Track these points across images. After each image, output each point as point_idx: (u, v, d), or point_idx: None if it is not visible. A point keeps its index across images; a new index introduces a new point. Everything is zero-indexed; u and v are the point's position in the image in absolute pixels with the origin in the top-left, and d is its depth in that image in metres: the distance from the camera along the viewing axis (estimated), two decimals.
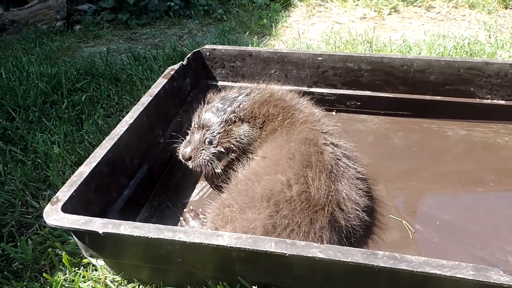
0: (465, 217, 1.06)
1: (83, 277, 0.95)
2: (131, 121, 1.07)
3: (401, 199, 1.12)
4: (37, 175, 1.30)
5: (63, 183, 1.16)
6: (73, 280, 0.95)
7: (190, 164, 1.11)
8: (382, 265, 0.68)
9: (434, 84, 1.38)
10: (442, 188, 1.16)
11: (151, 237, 0.75)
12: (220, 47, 1.48)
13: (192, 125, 1.17)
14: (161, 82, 1.25)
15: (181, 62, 1.39)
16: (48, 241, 1.06)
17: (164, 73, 1.31)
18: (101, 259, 0.97)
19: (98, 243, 0.83)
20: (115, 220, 0.79)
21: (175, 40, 2.56)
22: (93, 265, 0.99)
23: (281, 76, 1.47)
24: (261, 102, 1.13)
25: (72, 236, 1.05)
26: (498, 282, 0.65)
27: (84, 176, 0.90)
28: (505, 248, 0.97)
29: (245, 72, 1.50)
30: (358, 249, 0.71)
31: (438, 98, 1.40)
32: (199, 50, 1.49)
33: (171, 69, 1.33)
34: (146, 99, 1.17)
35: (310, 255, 0.70)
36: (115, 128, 1.05)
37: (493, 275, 0.65)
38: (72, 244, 1.04)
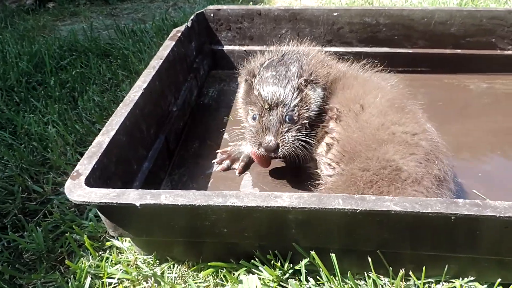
0: (504, 167, 1.02)
1: (111, 261, 0.85)
2: (145, 85, 0.96)
3: None
4: (34, 158, 1.16)
5: (68, 164, 1.06)
6: (98, 266, 0.84)
7: (280, 153, 0.91)
8: (466, 213, 0.62)
9: (455, 36, 1.31)
10: (476, 141, 1.11)
11: (198, 205, 0.66)
12: (225, 7, 1.36)
13: (252, 110, 0.95)
14: (168, 44, 1.13)
15: (186, 24, 1.27)
16: (62, 226, 0.94)
17: (170, 35, 1.19)
18: (128, 240, 0.87)
19: (132, 219, 0.73)
20: (152, 190, 0.68)
21: (160, 13, 2.39)
22: (117, 248, 0.89)
23: (293, 35, 1.37)
24: (320, 61, 1.02)
25: (95, 216, 0.95)
26: None
27: (104, 146, 0.79)
28: None
29: (253, 33, 1.39)
30: (436, 199, 0.64)
31: (458, 51, 1.34)
32: (202, 11, 1.37)
33: (177, 31, 1.21)
34: (156, 62, 1.05)
35: (385, 209, 0.63)
36: (128, 94, 0.93)
37: None
38: (90, 227, 0.92)
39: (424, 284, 0.76)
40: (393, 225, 0.67)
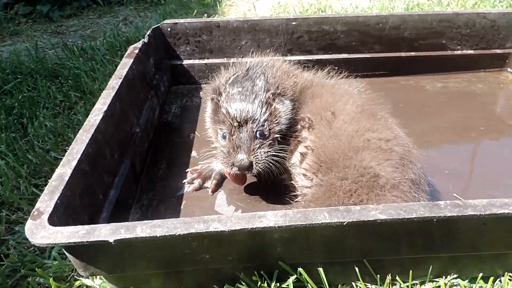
0: (469, 163, 1.06)
1: None
2: (105, 108, 0.90)
3: None
4: None
5: (23, 199, 0.97)
6: None
7: (254, 171, 0.88)
8: (449, 214, 0.62)
9: (408, 40, 1.36)
10: (439, 139, 1.14)
11: (179, 234, 0.61)
12: (182, 20, 1.32)
13: (221, 129, 0.92)
14: (126, 62, 1.08)
15: (143, 40, 1.21)
16: (22, 270, 0.85)
17: (127, 53, 1.13)
18: (101, 277, 0.80)
19: (104, 256, 0.67)
20: (125, 223, 0.63)
21: (111, 28, 2.30)
22: (88, 287, 0.81)
23: (253, 46, 1.36)
24: (285, 72, 1.00)
25: (59, 254, 0.87)
26: None
27: (66, 178, 0.72)
28: None
29: (213, 46, 1.36)
30: (418, 203, 0.64)
31: (413, 54, 1.39)
32: (159, 26, 1.32)
33: (134, 48, 1.15)
34: (115, 82, 0.99)
35: (371, 218, 0.62)
36: (88, 118, 0.87)
37: None
38: (55, 267, 0.84)
39: (410, 286, 0.76)
40: (379, 233, 0.67)
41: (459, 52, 1.39)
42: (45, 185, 1.08)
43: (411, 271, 0.73)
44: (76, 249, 0.65)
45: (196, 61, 1.39)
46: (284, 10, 2.20)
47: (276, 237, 0.66)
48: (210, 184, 1.02)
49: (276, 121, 0.93)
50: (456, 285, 0.78)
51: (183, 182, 1.04)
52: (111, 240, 0.61)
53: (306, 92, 1.01)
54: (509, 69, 1.41)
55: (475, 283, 0.78)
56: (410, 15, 1.31)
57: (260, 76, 0.96)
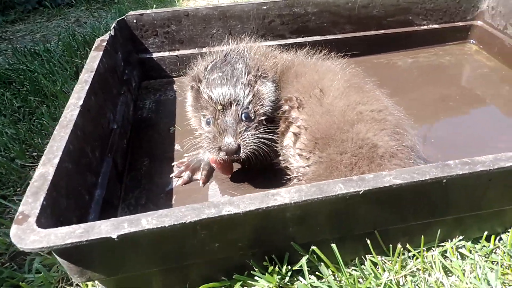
0: (452, 130, 1.09)
1: None
2: (81, 102, 0.82)
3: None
4: None
5: None
6: None
7: (242, 154, 0.84)
8: (460, 172, 0.62)
9: (377, 18, 1.38)
10: (420, 111, 1.16)
11: (190, 221, 0.56)
12: (148, 11, 1.26)
13: (204, 115, 0.89)
14: (96, 55, 1.00)
15: (109, 32, 1.13)
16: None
17: (95, 45, 1.05)
18: (92, 284, 0.73)
19: (103, 257, 0.60)
20: (128, 216, 0.57)
21: (65, 30, 2.16)
22: None
23: (224, 34, 1.32)
24: (263, 54, 0.98)
25: (43, 265, 0.78)
26: None
27: (50, 177, 0.65)
28: (498, 146, 1.02)
29: (183, 36, 1.30)
30: (429, 165, 0.63)
31: (382, 31, 1.41)
32: (123, 18, 1.24)
33: (102, 40, 1.07)
34: (87, 76, 0.91)
35: (386, 184, 0.60)
36: (64, 114, 0.79)
37: None
38: (40, 279, 0.76)
39: (421, 253, 0.76)
40: (389, 201, 0.66)
41: (425, 27, 1.43)
42: (14, 195, 1.00)
43: (422, 236, 0.73)
44: (71, 252, 0.58)
45: (166, 53, 1.32)
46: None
47: (288, 216, 0.63)
48: (200, 175, 0.97)
49: (260, 103, 0.90)
50: (461, 247, 0.79)
51: (171, 176, 0.98)
52: (114, 236, 0.55)
53: (288, 72, 0.99)
54: (471, 41, 1.47)
55: (478, 243, 0.79)
56: None
57: (239, 60, 0.93)
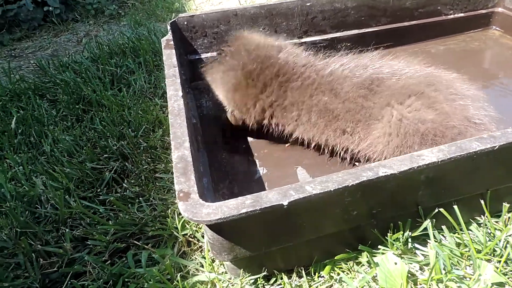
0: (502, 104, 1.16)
1: None
2: (180, 93, 0.83)
3: None
4: (27, 218, 0.91)
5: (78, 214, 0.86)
6: None
7: None
8: None
9: (410, 9, 1.46)
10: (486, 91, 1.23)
11: (352, 184, 0.59)
12: (198, 13, 1.28)
13: None
14: (169, 53, 1.01)
15: (169, 33, 1.15)
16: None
17: (163, 44, 1.06)
18: (213, 269, 0.73)
19: (258, 230, 0.62)
20: (291, 185, 0.59)
21: (73, 45, 2.15)
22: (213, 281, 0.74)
23: (270, 31, 1.35)
24: None
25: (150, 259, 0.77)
26: None
27: (189, 159, 0.65)
28: None
29: (230, 35, 1.33)
30: None
31: (414, 22, 1.49)
32: (175, 20, 1.26)
33: (167, 40, 1.09)
34: (172, 71, 0.92)
35: None
36: (170, 104, 0.80)
37: None
38: (166, 267, 0.75)
39: None
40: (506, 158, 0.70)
41: (452, 16, 1.52)
42: (95, 196, 0.98)
43: None
44: (232, 226, 0.59)
45: (215, 54, 1.34)
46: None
47: (422, 179, 0.66)
48: None
49: None
50: None
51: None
52: (285, 203, 0.56)
53: None
54: (494, 27, 1.57)
55: None
56: None
57: None
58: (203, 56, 1.34)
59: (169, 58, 0.98)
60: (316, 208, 0.62)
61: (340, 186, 0.58)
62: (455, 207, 0.72)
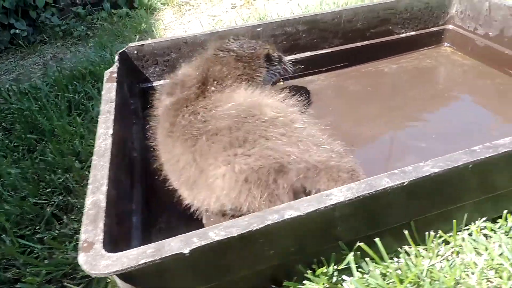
0: (448, 124, 1.18)
1: None
2: (110, 131, 0.83)
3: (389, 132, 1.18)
4: None
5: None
6: None
7: None
8: (487, 155, 0.69)
9: (361, 30, 1.48)
10: (417, 108, 1.25)
11: (256, 229, 0.59)
12: (149, 41, 1.29)
13: None
14: (110, 86, 1.01)
15: (115, 64, 1.15)
16: None
17: (106, 78, 1.06)
18: None
19: (166, 276, 0.61)
20: (195, 231, 0.59)
21: (40, 68, 2.14)
22: None
23: None
24: None
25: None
26: None
27: (103, 205, 0.65)
28: (492, 134, 1.11)
29: (182, 63, 1.34)
30: (457, 152, 0.70)
31: (366, 42, 1.51)
32: (124, 49, 1.26)
33: (111, 72, 1.09)
34: (108, 106, 0.92)
35: (427, 173, 0.66)
36: (97, 144, 0.80)
37: None
38: None
39: (454, 236, 0.81)
40: (427, 190, 0.71)
41: (404, 35, 1.55)
42: (33, 234, 0.97)
43: (454, 220, 0.79)
44: (139, 275, 0.59)
45: (167, 81, 1.35)
46: (222, 26, 2.24)
47: (337, 216, 0.67)
48: None
49: None
50: (483, 228, 0.86)
51: None
52: (186, 251, 0.56)
53: None
54: (445, 44, 1.60)
55: (496, 223, 0.86)
56: (360, 7, 1.43)
57: None
58: (155, 84, 1.35)
59: (108, 93, 0.98)
60: (225, 252, 0.62)
61: (244, 231, 0.59)
62: (377, 239, 0.73)
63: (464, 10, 1.51)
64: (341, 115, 1.26)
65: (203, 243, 0.57)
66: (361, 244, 0.72)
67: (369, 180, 0.65)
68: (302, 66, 1.47)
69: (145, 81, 1.34)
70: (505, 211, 0.84)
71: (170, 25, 2.57)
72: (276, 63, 1.13)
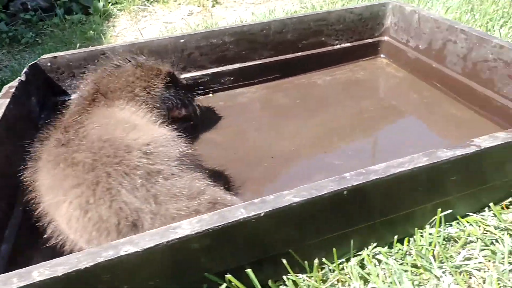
0: (369, 140, 1.15)
1: None
2: None
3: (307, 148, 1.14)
4: None
5: None
6: None
7: None
8: (355, 183, 0.66)
9: (292, 42, 1.45)
10: (341, 125, 1.22)
11: (85, 268, 0.54)
12: (62, 53, 1.23)
13: None
14: (2, 103, 0.96)
15: (19, 78, 1.10)
16: None
17: (1, 93, 1.01)
18: None
19: None
20: (19, 270, 0.54)
21: None
22: None
23: None
24: None
25: None
26: None
27: None
28: (409, 151, 1.08)
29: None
30: (326, 179, 0.66)
31: (299, 54, 1.48)
32: (36, 62, 1.21)
33: (9, 87, 1.03)
34: None
35: (287, 204, 0.62)
36: None
37: None
38: None
39: (337, 265, 0.78)
40: (297, 218, 0.68)
41: (338, 46, 1.52)
42: None
43: (334, 249, 0.75)
44: None
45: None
46: (172, 33, 2.20)
47: (196, 247, 0.63)
48: None
49: None
50: (377, 254, 0.83)
51: None
52: None
53: None
54: (382, 55, 1.58)
55: (393, 247, 0.83)
56: (289, 19, 1.40)
57: None
58: (73, 96, 1.29)
59: None
60: None
61: (71, 270, 0.54)
62: (248, 270, 0.69)
63: (397, 22, 1.49)
64: (263, 129, 1.23)
65: (22, 284, 0.52)
66: (229, 276, 0.68)
67: (224, 211, 0.61)
68: (232, 78, 1.44)
69: (62, 94, 1.29)
70: (396, 237, 0.81)
71: (123, 31, 2.52)
72: (175, 88, 1.08)
